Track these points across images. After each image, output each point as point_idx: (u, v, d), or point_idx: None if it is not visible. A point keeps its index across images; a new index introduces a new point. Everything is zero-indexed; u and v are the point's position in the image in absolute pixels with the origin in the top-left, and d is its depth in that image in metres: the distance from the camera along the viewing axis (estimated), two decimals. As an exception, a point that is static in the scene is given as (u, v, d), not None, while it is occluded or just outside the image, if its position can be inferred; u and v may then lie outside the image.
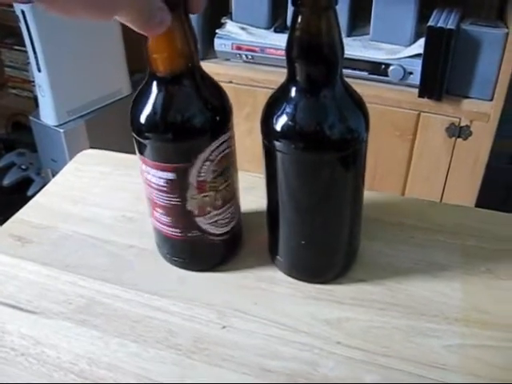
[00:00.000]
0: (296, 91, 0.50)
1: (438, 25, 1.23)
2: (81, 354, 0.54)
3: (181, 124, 0.52)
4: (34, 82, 1.75)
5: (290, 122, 0.50)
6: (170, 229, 0.59)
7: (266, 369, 0.52)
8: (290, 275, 0.61)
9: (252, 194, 0.67)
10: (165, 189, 0.55)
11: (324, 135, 0.50)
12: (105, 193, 0.75)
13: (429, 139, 1.38)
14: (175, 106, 0.52)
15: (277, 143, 0.51)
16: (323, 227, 0.57)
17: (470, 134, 1.34)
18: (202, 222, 0.58)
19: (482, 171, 1.39)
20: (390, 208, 0.70)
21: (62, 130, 1.67)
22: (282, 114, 0.50)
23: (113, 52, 1.73)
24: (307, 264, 0.61)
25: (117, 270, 0.63)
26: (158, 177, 0.54)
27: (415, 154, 1.41)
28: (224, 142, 0.54)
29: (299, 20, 0.47)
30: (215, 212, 0.57)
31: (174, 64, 0.51)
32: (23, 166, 2.01)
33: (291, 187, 0.54)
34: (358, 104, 0.52)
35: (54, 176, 1.82)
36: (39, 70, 1.61)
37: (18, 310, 0.59)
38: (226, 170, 0.56)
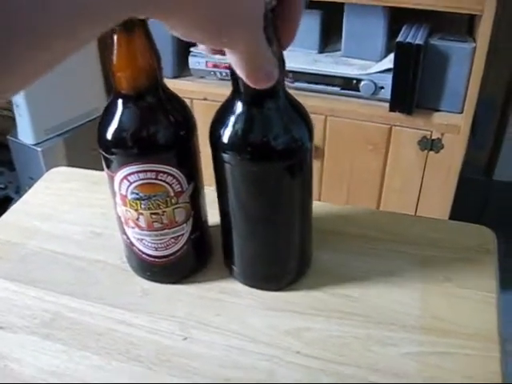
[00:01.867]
0: (241, 104, 0.52)
1: (407, 40, 1.26)
2: (44, 367, 0.55)
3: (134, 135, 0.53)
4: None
5: (235, 134, 0.52)
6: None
7: (227, 379, 0.53)
8: (245, 284, 0.62)
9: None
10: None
11: (268, 145, 0.52)
12: (73, 209, 0.76)
13: (401, 152, 1.40)
14: (134, 122, 0.53)
15: (224, 155, 0.53)
16: (273, 235, 0.59)
17: (442, 146, 1.36)
18: (129, 231, 0.59)
19: (455, 183, 1.41)
20: (352, 220, 0.71)
21: (39, 149, 1.68)
22: (227, 126, 0.52)
23: (89, 71, 1.74)
24: (260, 272, 0.62)
25: (83, 285, 0.64)
26: None
27: (388, 168, 1.43)
28: (148, 171, 0.53)
29: None
30: (139, 231, 0.58)
31: (137, 82, 0.52)
32: (2, 185, 2.01)
33: (240, 197, 0.56)
34: (301, 115, 0.54)
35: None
36: (16, 89, 1.61)
37: (-16, 325, 0.59)
38: (153, 199, 0.55)
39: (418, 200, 1.47)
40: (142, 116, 0.54)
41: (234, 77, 0.51)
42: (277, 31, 0.47)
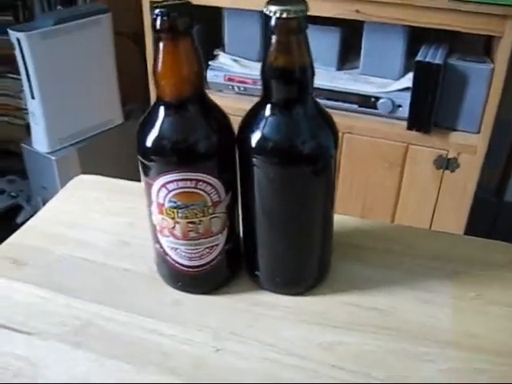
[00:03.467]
0: (270, 109, 0.54)
1: (426, 59, 1.26)
2: (77, 375, 0.54)
3: (173, 146, 0.53)
4: (26, 109, 1.76)
5: (262, 137, 0.53)
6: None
7: (262, 392, 0.52)
8: (267, 289, 0.63)
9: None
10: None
11: (295, 150, 0.53)
12: (100, 218, 0.76)
13: (417, 171, 1.40)
14: (175, 130, 0.54)
15: (252, 158, 0.54)
16: (295, 239, 0.60)
17: (458, 166, 1.36)
18: (163, 240, 0.59)
19: (470, 203, 1.41)
20: (379, 235, 0.71)
21: (53, 158, 1.68)
22: (256, 130, 0.54)
23: (106, 81, 1.75)
24: (281, 276, 0.63)
25: (112, 293, 0.63)
26: None
27: (404, 186, 1.43)
28: (188, 179, 0.53)
29: (272, 42, 0.51)
30: (174, 240, 0.58)
31: (181, 91, 0.53)
32: (13, 193, 2.01)
33: (264, 201, 0.57)
34: (328, 122, 0.56)
35: (44, 203, 1.82)
36: (33, 97, 1.62)
37: (13, 331, 0.59)
38: (190, 208, 0.55)
39: (432, 219, 1.46)
40: (183, 124, 0.54)
41: (265, 82, 0.53)
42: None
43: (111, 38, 1.71)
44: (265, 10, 0.50)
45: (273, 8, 0.49)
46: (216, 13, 1.60)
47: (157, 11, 0.49)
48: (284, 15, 0.49)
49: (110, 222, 0.75)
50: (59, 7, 1.82)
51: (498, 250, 0.69)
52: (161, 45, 0.50)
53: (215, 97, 1.62)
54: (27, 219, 0.77)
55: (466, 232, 1.45)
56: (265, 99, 0.54)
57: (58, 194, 0.82)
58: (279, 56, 0.51)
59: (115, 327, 0.59)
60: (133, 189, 0.78)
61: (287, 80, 0.52)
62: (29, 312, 0.61)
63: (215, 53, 1.52)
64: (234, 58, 1.50)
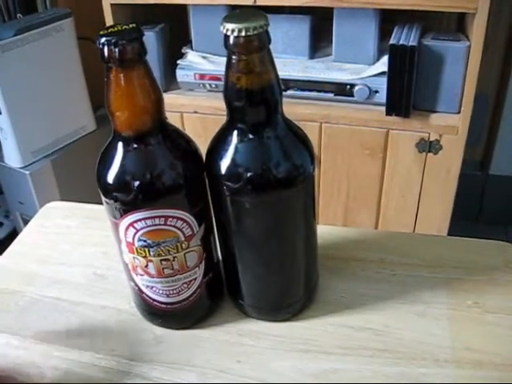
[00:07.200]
0: (239, 133, 0.49)
1: (400, 42, 1.22)
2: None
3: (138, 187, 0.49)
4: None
5: (234, 164, 0.49)
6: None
7: (255, 434, 0.49)
8: (254, 317, 0.60)
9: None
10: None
11: (271, 175, 0.49)
12: (73, 249, 0.72)
13: (399, 156, 1.37)
14: (137, 165, 0.50)
15: (225, 187, 0.50)
16: (277, 264, 0.56)
17: (441, 147, 1.33)
18: (137, 279, 0.55)
19: (455, 184, 1.38)
20: (368, 244, 0.68)
21: (27, 172, 1.62)
22: (225, 156, 0.49)
23: (74, 88, 1.69)
24: (268, 302, 0.60)
25: (91, 335, 0.60)
26: None
27: (387, 172, 1.40)
28: (156, 217, 0.49)
29: (232, 63, 0.47)
30: (148, 278, 0.54)
31: (138, 123, 0.48)
32: (-10, 210, 1.96)
33: (244, 228, 0.53)
34: (301, 140, 0.52)
35: (22, 218, 1.76)
36: (-1, 112, 1.57)
37: (-13, 388, 0.55)
38: (162, 246, 0.51)
39: (419, 202, 1.44)
40: (146, 159, 0.50)
41: (229, 106, 0.49)
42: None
43: (75, 43, 1.65)
44: (221, 28, 0.46)
45: (230, 26, 0.45)
46: (181, 10, 1.55)
47: (103, 40, 0.44)
48: (243, 33, 0.45)
49: (83, 254, 0.71)
50: (19, 15, 1.75)
51: (489, 251, 0.66)
52: (111, 76, 0.46)
53: (186, 96, 1.57)
54: (7, 235, 0.73)
55: (453, 212, 1.43)
56: (231, 122, 0.50)
57: (28, 226, 0.78)
58: (242, 77, 0.47)
59: (97, 374, 0.56)
60: (104, 212, 0.74)
61: (253, 102, 0.48)
62: (4, 364, 0.57)
63: (183, 51, 1.47)
64: (202, 54, 1.45)
